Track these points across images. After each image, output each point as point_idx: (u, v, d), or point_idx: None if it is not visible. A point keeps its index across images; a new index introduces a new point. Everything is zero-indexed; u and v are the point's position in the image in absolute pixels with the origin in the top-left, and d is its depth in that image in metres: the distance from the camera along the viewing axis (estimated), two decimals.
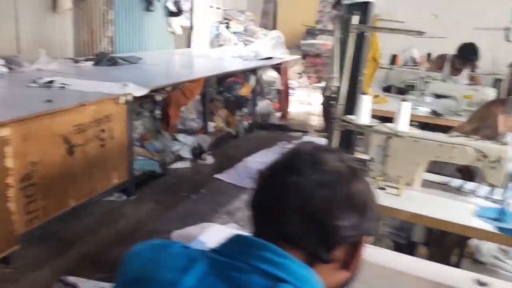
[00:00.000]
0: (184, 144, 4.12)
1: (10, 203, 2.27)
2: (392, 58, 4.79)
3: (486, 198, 1.81)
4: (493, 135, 2.30)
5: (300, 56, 7.89)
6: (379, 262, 1.09)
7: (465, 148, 1.73)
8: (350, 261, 0.71)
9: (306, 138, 4.94)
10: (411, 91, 3.74)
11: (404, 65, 4.85)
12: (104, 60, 4.08)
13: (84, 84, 3.14)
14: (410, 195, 1.76)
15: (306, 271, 0.66)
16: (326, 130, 5.30)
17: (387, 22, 3.83)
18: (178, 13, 5.89)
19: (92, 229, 2.87)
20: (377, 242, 0.99)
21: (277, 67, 5.76)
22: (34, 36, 3.97)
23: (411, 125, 1.83)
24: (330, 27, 8.00)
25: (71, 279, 2.17)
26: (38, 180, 2.44)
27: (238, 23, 7.00)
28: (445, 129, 2.50)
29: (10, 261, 2.41)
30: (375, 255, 0.81)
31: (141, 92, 3.16)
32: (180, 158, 4.07)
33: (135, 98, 3.15)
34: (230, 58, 5.61)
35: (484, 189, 1.87)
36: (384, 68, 4.17)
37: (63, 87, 2.99)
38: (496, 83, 4.18)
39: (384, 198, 1.65)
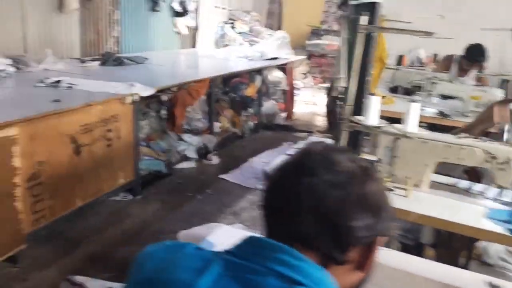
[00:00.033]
0: (189, 144, 4.12)
1: (17, 202, 2.28)
2: (399, 58, 4.77)
3: (495, 200, 1.80)
4: (489, 127, 2.34)
5: (305, 57, 7.88)
6: (390, 263, 1.08)
7: (474, 150, 1.72)
8: (365, 262, 0.71)
9: (313, 139, 4.92)
10: (418, 92, 3.72)
11: (410, 66, 4.83)
12: (111, 60, 4.09)
13: (91, 84, 3.14)
14: (418, 196, 1.75)
15: (321, 274, 0.66)
16: (330, 130, 5.31)
17: (394, 23, 3.81)
18: (183, 13, 5.90)
19: (98, 229, 2.88)
20: (385, 244, 0.99)
21: (282, 68, 5.75)
22: (41, 36, 3.98)
23: (419, 126, 1.82)
24: (335, 27, 7.99)
25: (79, 278, 2.17)
26: (45, 180, 2.45)
27: (243, 23, 7.00)
28: (452, 130, 2.50)
29: (17, 260, 2.41)
30: (385, 256, 0.80)
31: (147, 92, 3.17)
32: (185, 158, 4.08)
33: (142, 98, 3.16)
34: (236, 58, 5.61)
35: (493, 191, 1.86)
36: (391, 68, 4.16)
37: (70, 87, 3.00)
38: (504, 84, 4.15)
39: (392, 200, 1.64)
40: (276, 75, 5.64)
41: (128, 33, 5.03)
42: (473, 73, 3.91)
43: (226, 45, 6.62)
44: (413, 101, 1.79)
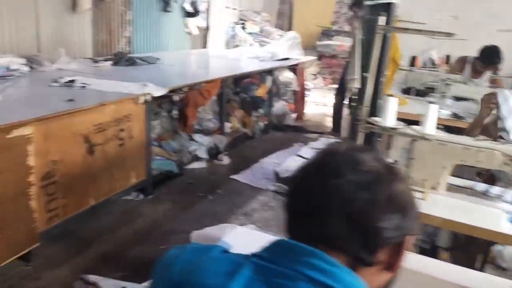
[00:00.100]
0: (200, 145, 4.12)
1: (31, 201, 2.29)
2: (412, 59, 4.74)
3: None
4: (485, 118, 2.41)
5: (315, 57, 7.85)
6: (410, 266, 1.07)
7: (493, 152, 1.69)
8: (393, 263, 0.70)
9: (324, 140, 4.90)
10: (431, 94, 3.69)
11: (423, 67, 4.79)
12: (123, 60, 4.11)
13: (104, 84, 3.16)
14: (435, 199, 1.73)
15: (353, 278, 0.65)
16: (335, 131, 5.29)
17: (407, 23, 3.78)
18: (194, 13, 5.91)
19: (110, 228, 2.89)
20: None
21: (293, 68, 5.74)
22: (54, 36, 4.01)
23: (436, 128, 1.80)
24: (346, 28, 7.95)
25: (92, 277, 2.17)
26: (59, 179, 2.46)
27: (254, 23, 7.00)
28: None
29: (30, 258, 2.42)
30: (408, 260, 0.79)
31: (160, 92, 3.17)
32: (196, 158, 4.08)
33: (153, 98, 3.16)
34: (247, 59, 5.60)
35: (510, 194, 1.84)
36: (404, 70, 4.13)
37: (83, 86, 3.01)
38: None
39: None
40: (287, 76, 5.62)
41: (139, 33, 5.05)
42: (488, 74, 3.87)
43: (237, 46, 6.62)
44: (431, 102, 1.77)
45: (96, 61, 4.08)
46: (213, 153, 4.24)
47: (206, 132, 4.31)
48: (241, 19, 7.00)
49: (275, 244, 0.69)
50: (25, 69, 3.29)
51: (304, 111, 6.05)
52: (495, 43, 3.87)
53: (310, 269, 0.63)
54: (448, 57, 5.12)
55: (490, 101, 2.32)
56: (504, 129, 2.20)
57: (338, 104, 5.30)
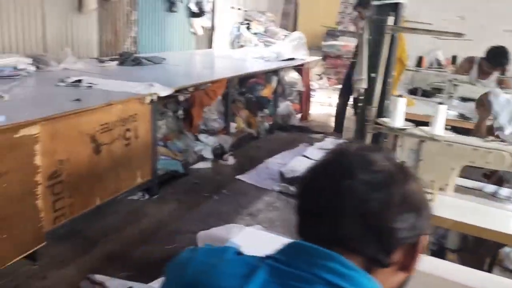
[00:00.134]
0: (206, 145, 4.12)
1: (38, 200, 2.29)
2: (418, 60, 4.72)
3: None
4: (482, 121, 2.48)
5: (320, 57, 7.84)
6: (420, 268, 1.06)
7: (502, 153, 1.68)
8: (409, 263, 0.69)
9: (329, 140, 4.89)
10: (438, 94, 3.67)
11: (429, 67, 4.77)
12: (129, 60, 4.11)
13: (110, 83, 3.16)
14: (444, 200, 1.72)
15: (370, 282, 0.64)
16: (336, 131, 5.28)
17: (414, 24, 3.76)
18: (200, 14, 5.91)
19: (116, 228, 2.89)
20: None
21: (298, 69, 5.73)
22: (60, 36, 4.02)
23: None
24: (351, 28, 7.93)
25: (99, 277, 2.17)
26: (65, 178, 2.46)
27: (258, 24, 6.99)
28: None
29: (36, 258, 2.43)
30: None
31: (166, 92, 3.17)
32: (202, 158, 4.08)
33: (159, 98, 3.16)
34: (252, 59, 5.60)
35: None
36: (410, 70, 4.11)
37: (90, 86, 3.01)
38: None
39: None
40: (292, 76, 5.62)
41: (145, 34, 5.05)
42: (495, 75, 3.85)
43: (242, 46, 6.62)
44: (440, 103, 1.76)
45: (102, 61, 4.09)
46: (218, 153, 4.24)
47: (211, 132, 4.31)
48: (246, 19, 7.00)
49: (290, 246, 0.69)
50: (32, 68, 3.29)
51: (309, 111, 6.04)
52: (502, 44, 3.85)
53: (328, 273, 0.62)
54: (454, 57, 5.09)
55: (483, 102, 2.33)
56: (500, 128, 2.20)
57: (341, 105, 5.29)
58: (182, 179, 3.73)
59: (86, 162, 2.60)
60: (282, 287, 0.62)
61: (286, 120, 5.65)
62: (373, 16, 2.40)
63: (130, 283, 2.14)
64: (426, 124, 1.92)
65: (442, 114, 1.68)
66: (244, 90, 5.04)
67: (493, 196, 1.84)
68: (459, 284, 1.18)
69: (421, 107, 3.31)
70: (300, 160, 4.19)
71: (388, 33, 1.85)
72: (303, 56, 6.08)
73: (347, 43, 7.92)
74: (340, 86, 5.64)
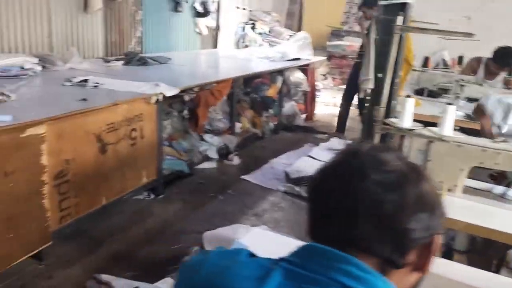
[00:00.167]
0: (211, 144, 4.12)
1: (44, 200, 2.29)
2: (424, 60, 4.69)
3: None
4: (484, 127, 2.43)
5: (325, 58, 7.82)
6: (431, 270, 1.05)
7: (511, 154, 1.66)
8: (424, 263, 0.68)
9: (335, 140, 4.88)
10: (444, 95, 3.65)
11: (435, 68, 4.74)
12: (134, 60, 4.12)
13: (116, 83, 3.16)
14: (452, 201, 1.71)
15: (386, 285, 0.63)
16: (338, 131, 5.26)
17: (420, 24, 3.74)
18: (205, 13, 5.91)
19: (122, 228, 2.89)
20: None
21: (303, 69, 5.71)
22: (66, 36, 4.03)
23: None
24: (356, 28, 7.90)
25: (105, 277, 2.17)
26: (71, 178, 2.46)
27: (263, 24, 6.98)
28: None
29: (42, 257, 2.43)
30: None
31: (172, 92, 3.17)
32: (207, 158, 4.07)
33: (165, 98, 3.16)
34: (257, 59, 5.60)
35: None
36: (416, 70, 4.09)
37: (96, 86, 3.01)
38: None
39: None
40: (297, 76, 5.60)
41: (150, 33, 5.05)
42: (502, 76, 3.82)
43: (246, 46, 6.61)
44: (449, 103, 1.74)
45: (107, 61, 4.09)
46: (223, 153, 4.23)
47: (216, 132, 4.31)
48: (251, 19, 6.99)
49: (304, 249, 0.68)
50: (38, 68, 3.30)
51: (314, 111, 6.03)
52: (509, 44, 3.82)
53: (343, 276, 0.62)
54: (460, 58, 5.07)
55: (479, 109, 2.32)
56: (497, 127, 2.19)
57: (345, 105, 5.27)
58: (187, 179, 3.73)
59: (92, 162, 2.61)
60: None
61: (291, 120, 5.64)
62: (381, 16, 2.40)
63: (137, 283, 2.13)
64: (432, 124, 1.91)
65: (451, 114, 1.67)
66: (249, 90, 5.04)
67: (502, 197, 1.82)
68: (467, 285, 1.17)
69: (428, 107, 3.29)
70: (305, 161, 4.18)
71: (397, 33, 1.83)
72: (308, 56, 6.07)
73: (352, 43, 7.89)
74: (344, 86, 5.63)
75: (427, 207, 0.68)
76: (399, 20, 1.93)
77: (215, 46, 6.47)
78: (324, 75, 8.33)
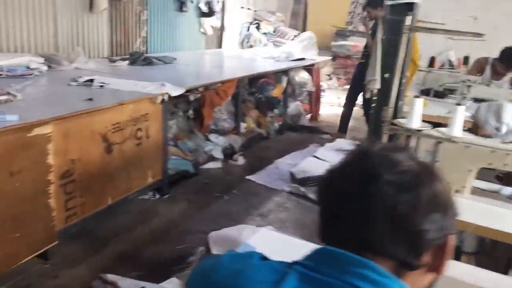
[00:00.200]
0: (216, 145, 4.12)
1: (51, 199, 2.29)
2: (430, 60, 4.67)
3: None
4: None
5: (330, 58, 7.80)
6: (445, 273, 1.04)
7: None
8: (438, 263, 0.68)
9: (341, 141, 4.86)
10: (450, 95, 3.63)
11: (441, 68, 4.72)
12: (140, 59, 4.12)
13: (121, 83, 3.16)
14: (461, 203, 1.69)
15: None
16: (340, 132, 5.25)
17: (427, 24, 3.72)
18: (209, 13, 5.91)
19: (127, 227, 2.89)
20: None
21: (308, 69, 5.70)
22: (71, 35, 4.04)
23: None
24: (361, 28, 7.88)
25: (111, 277, 2.17)
26: (77, 177, 2.46)
27: (268, 24, 6.97)
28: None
29: (48, 257, 2.44)
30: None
31: (177, 92, 3.17)
32: (212, 158, 4.07)
33: (170, 97, 3.16)
34: (262, 59, 5.59)
35: None
36: (422, 70, 4.07)
37: (102, 86, 3.02)
38: None
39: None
40: (302, 76, 5.59)
41: (155, 33, 5.06)
42: (508, 76, 3.80)
43: (251, 46, 6.61)
44: (458, 104, 1.73)
45: (113, 61, 4.09)
46: (228, 153, 4.23)
47: (221, 132, 4.30)
48: (255, 19, 6.99)
49: (318, 252, 0.67)
50: (44, 68, 3.31)
51: (319, 111, 6.01)
52: None
53: (360, 280, 0.61)
54: (466, 58, 5.04)
55: (475, 121, 2.30)
56: (496, 129, 2.18)
57: (348, 105, 5.26)
58: (192, 179, 3.73)
59: (98, 162, 2.61)
60: None
61: (296, 121, 5.63)
62: (387, 16, 2.38)
63: (143, 283, 2.13)
64: (438, 125, 1.90)
65: (460, 115, 1.66)
66: (254, 90, 5.03)
67: (510, 198, 1.81)
68: (475, 286, 1.16)
69: (434, 108, 3.27)
70: (310, 161, 4.17)
71: (406, 33, 1.82)
72: (313, 56, 6.06)
73: (357, 43, 7.87)
74: (349, 86, 5.62)
75: (441, 207, 0.67)
76: (408, 20, 1.91)
77: (220, 46, 6.47)
78: (328, 75, 8.31)
